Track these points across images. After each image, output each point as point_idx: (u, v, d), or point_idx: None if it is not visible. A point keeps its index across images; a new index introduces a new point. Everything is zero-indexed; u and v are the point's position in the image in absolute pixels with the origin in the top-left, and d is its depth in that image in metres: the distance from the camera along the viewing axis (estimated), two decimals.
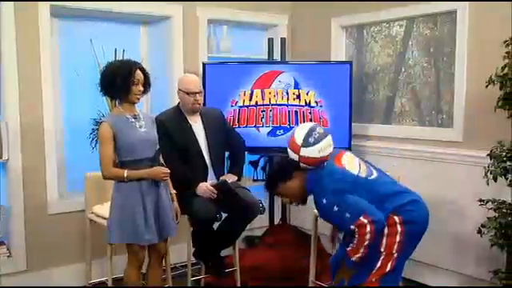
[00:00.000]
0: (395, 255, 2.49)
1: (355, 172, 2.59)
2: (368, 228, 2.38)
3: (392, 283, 2.53)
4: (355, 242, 2.43)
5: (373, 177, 2.62)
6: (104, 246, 3.13)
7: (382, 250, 2.47)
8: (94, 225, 3.32)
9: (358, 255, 2.44)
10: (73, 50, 3.88)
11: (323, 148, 2.57)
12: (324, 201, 2.50)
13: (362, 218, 2.39)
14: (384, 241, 2.47)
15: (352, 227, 2.41)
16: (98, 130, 3.59)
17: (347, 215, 2.42)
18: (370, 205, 2.45)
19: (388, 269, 2.48)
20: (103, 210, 3.24)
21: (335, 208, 2.46)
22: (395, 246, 2.48)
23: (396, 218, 2.49)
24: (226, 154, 3.56)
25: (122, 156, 2.78)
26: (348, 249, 2.48)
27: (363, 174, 2.60)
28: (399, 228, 2.48)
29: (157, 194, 2.83)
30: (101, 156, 2.75)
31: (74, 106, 3.89)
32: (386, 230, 2.46)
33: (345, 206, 2.45)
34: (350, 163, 2.65)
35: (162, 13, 4.04)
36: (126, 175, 2.72)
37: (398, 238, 2.48)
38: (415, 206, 2.56)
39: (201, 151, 3.31)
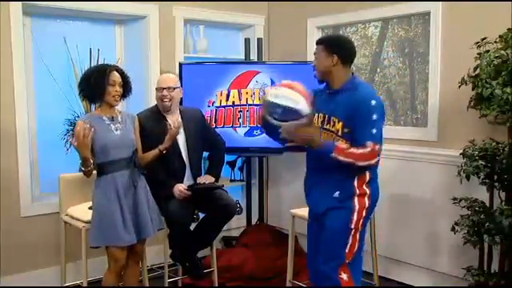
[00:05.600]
0: (359, 231, 2.51)
1: None
2: (376, 160, 2.40)
3: (359, 262, 2.57)
4: (359, 152, 2.38)
5: None
6: (79, 249, 3.09)
7: (352, 226, 2.48)
8: (69, 227, 3.27)
9: (344, 158, 2.37)
10: (46, 48, 3.81)
11: None
12: (373, 102, 2.41)
13: (378, 146, 2.39)
14: (355, 216, 2.47)
15: (369, 143, 2.37)
16: (73, 129, 3.58)
17: (373, 131, 2.39)
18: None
19: (357, 246, 2.51)
20: (78, 211, 3.20)
21: (374, 116, 2.39)
22: (361, 221, 2.50)
23: (367, 190, 2.50)
24: (205, 154, 3.54)
25: (98, 158, 2.78)
26: (341, 145, 2.40)
27: None
28: (367, 202, 2.50)
29: (134, 195, 2.82)
30: (80, 157, 2.74)
31: (48, 105, 3.82)
32: (356, 202, 2.48)
33: (379, 124, 2.41)
34: None
35: (138, 12, 4.00)
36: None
37: (364, 213, 2.50)
38: (377, 182, 2.58)
39: (179, 151, 3.29)
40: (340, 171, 2.46)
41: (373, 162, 2.41)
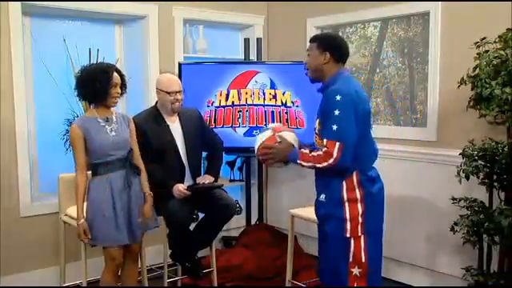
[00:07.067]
0: (362, 237, 2.35)
1: None
2: (334, 156, 2.24)
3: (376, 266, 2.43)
4: (316, 154, 2.31)
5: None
6: (78, 249, 3.09)
7: (348, 235, 2.35)
8: (68, 227, 3.27)
9: (306, 163, 2.34)
10: (46, 48, 3.80)
11: None
12: (338, 97, 2.28)
13: (337, 144, 2.25)
14: (348, 225, 2.33)
15: (325, 141, 2.28)
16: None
17: (333, 127, 2.27)
18: (353, 146, 2.29)
19: (363, 254, 2.35)
20: None
21: (336, 112, 2.27)
22: (359, 228, 2.34)
23: (358, 194, 2.35)
24: (204, 154, 3.54)
25: (93, 159, 2.78)
26: (304, 151, 2.37)
27: None
28: (360, 208, 2.34)
29: (128, 195, 2.83)
30: (75, 160, 2.78)
31: (47, 105, 3.82)
32: (347, 211, 2.35)
33: (342, 121, 2.27)
34: None
35: (138, 12, 4.00)
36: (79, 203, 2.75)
37: (360, 220, 2.34)
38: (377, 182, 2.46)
39: (178, 151, 3.29)
40: (327, 174, 2.38)
41: (330, 161, 2.26)
